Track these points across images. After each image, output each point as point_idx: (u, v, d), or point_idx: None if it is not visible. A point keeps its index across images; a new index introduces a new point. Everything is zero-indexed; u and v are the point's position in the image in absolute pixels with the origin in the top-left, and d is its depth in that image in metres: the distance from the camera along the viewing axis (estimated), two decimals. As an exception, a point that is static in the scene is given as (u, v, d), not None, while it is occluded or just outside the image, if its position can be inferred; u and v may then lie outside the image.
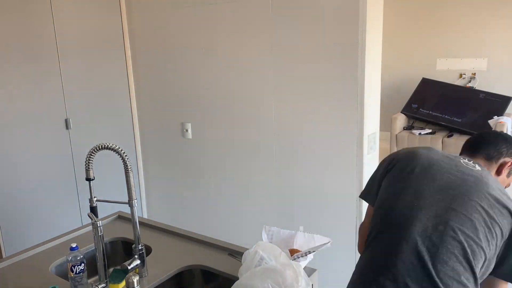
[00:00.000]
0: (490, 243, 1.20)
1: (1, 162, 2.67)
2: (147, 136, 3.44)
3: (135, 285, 1.41)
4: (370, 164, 2.42)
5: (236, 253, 1.65)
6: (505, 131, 4.99)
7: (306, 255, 1.46)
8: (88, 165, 1.53)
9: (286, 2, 2.44)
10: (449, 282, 1.16)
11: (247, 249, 1.40)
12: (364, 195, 1.51)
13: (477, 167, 1.34)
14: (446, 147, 5.43)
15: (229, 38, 2.74)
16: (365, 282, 1.27)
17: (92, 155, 1.50)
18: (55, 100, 2.91)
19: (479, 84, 6.07)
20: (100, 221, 1.39)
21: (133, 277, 1.42)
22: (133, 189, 1.47)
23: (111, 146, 1.46)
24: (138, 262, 1.49)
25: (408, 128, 5.87)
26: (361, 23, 2.20)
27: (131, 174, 1.46)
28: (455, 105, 5.68)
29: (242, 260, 1.38)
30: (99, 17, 3.13)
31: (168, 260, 1.65)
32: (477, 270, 1.19)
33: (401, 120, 5.87)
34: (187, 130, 3.12)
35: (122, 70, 3.31)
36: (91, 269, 1.65)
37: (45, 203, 2.91)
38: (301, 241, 1.62)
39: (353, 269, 2.47)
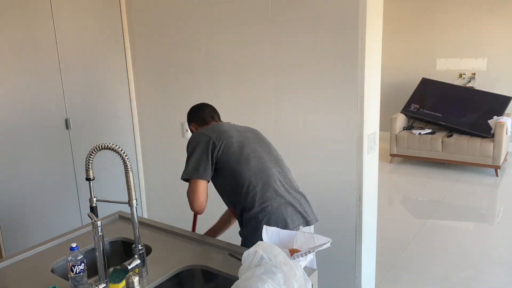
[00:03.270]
0: None
1: (1, 162, 2.67)
2: (147, 136, 3.44)
3: (135, 285, 1.41)
4: (370, 164, 2.42)
5: (236, 253, 1.65)
6: (504, 131, 4.99)
7: (306, 255, 1.47)
8: (88, 165, 1.53)
9: (286, 2, 2.44)
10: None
11: (247, 249, 1.40)
12: (206, 176, 1.86)
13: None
14: (446, 147, 5.43)
15: (229, 38, 2.74)
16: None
17: (92, 155, 1.50)
18: (55, 100, 2.91)
19: (479, 84, 6.07)
20: (100, 221, 1.39)
21: (133, 277, 1.42)
22: (133, 189, 1.47)
23: (111, 146, 1.46)
24: (138, 262, 1.48)
25: (408, 128, 5.87)
26: (361, 23, 2.20)
27: (131, 174, 1.46)
28: (455, 105, 5.68)
29: (242, 260, 1.37)
30: (99, 17, 3.13)
31: (168, 260, 1.65)
32: None
33: (401, 120, 5.87)
34: (187, 130, 3.12)
35: (122, 70, 3.31)
36: (91, 269, 1.65)
37: (45, 203, 2.91)
38: (301, 241, 1.62)
39: (353, 269, 2.47)
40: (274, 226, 1.66)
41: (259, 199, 1.82)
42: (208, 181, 1.89)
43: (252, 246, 1.49)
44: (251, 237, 1.80)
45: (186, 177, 1.87)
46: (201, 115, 2.09)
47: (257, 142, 1.97)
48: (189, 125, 2.14)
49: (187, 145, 1.93)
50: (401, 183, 5.26)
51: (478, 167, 5.37)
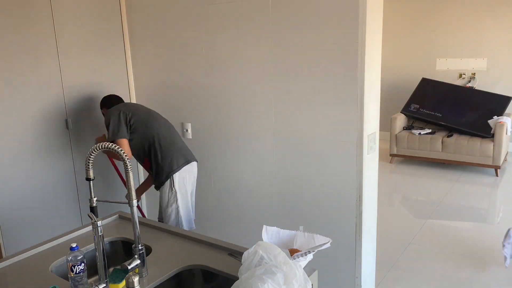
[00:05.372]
0: None
1: (1, 162, 2.67)
2: (147, 136, 3.43)
3: (135, 285, 1.41)
4: (370, 164, 2.42)
5: (236, 253, 1.65)
6: (504, 131, 4.99)
7: (306, 255, 1.47)
8: (88, 165, 1.53)
9: (285, 2, 2.44)
10: None
11: (247, 249, 1.40)
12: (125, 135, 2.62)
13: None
14: (446, 147, 5.44)
15: (229, 38, 2.74)
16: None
17: (92, 155, 1.50)
18: (55, 100, 2.91)
19: (479, 84, 6.07)
20: (100, 221, 1.39)
21: (133, 277, 1.42)
22: (133, 189, 1.47)
23: (111, 146, 1.46)
24: (138, 262, 1.48)
25: (408, 128, 5.87)
26: (361, 23, 2.20)
27: (131, 174, 1.46)
28: (455, 105, 5.68)
29: (242, 260, 1.37)
30: (99, 17, 3.13)
31: (168, 260, 1.65)
32: None
33: (401, 120, 5.88)
34: (187, 130, 3.12)
35: (122, 70, 3.31)
36: (91, 269, 1.65)
37: (45, 203, 2.91)
38: (301, 241, 1.62)
39: (353, 269, 2.47)
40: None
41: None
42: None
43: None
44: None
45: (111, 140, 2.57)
46: (111, 102, 2.85)
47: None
48: (101, 109, 2.94)
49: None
50: (401, 183, 5.26)
51: (478, 167, 5.38)
